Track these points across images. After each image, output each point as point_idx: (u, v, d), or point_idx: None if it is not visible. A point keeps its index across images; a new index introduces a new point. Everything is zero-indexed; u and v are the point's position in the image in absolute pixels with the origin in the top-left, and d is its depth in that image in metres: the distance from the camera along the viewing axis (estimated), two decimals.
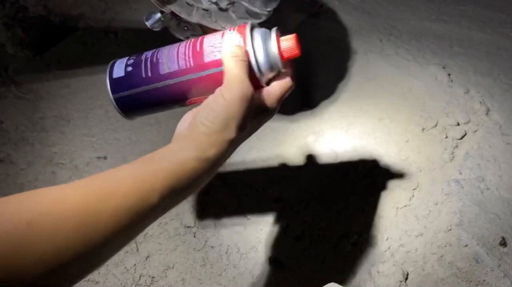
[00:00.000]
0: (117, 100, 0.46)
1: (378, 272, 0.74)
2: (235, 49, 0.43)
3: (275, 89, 0.47)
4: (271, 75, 0.46)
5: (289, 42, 0.46)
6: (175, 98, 0.47)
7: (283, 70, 0.47)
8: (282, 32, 0.47)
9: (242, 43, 0.44)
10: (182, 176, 0.39)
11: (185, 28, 0.63)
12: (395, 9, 1.24)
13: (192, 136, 0.42)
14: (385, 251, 0.76)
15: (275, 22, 1.18)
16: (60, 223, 0.32)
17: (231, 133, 0.42)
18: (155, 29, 0.65)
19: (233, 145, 0.44)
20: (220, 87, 0.43)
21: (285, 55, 0.46)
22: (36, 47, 1.03)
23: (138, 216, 0.36)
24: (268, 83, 0.47)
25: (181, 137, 0.43)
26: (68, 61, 1.02)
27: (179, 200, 0.41)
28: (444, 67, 1.05)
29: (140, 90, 0.46)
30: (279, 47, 0.45)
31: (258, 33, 0.45)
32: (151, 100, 0.47)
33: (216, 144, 0.42)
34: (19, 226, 0.30)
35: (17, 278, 0.29)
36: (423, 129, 0.92)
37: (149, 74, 0.45)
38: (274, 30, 0.46)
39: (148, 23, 0.65)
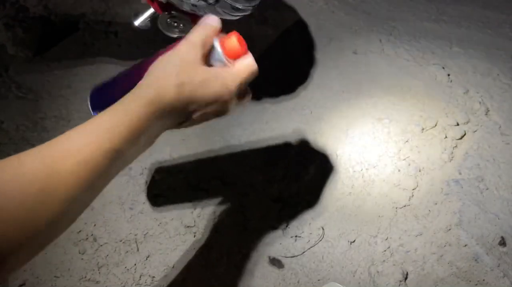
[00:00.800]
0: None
1: (377, 271, 0.74)
2: (208, 21, 0.48)
3: (239, 70, 0.49)
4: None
5: (230, 43, 0.49)
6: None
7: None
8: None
9: (219, 25, 0.49)
10: (128, 122, 0.41)
11: (175, 24, 0.64)
12: (395, 9, 1.24)
13: (137, 85, 0.44)
14: (385, 250, 0.77)
15: (273, 20, 1.18)
16: (26, 188, 0.33)
17: (171, 77, 0.43)
18: (142, 28, 0.66)
19: (177, 92, 0.44)
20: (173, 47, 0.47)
21: (232, 56, 0.50)
22: (36, 47, 1.03)
23: (97, 168, 0.38)
24: None
25: (132, 91, 0.45)
26: (69, 61, 1.02)
27: (135, 147, 0.43)
28: (443, 67, 1.06)
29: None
30: (224, 53, 0.49)
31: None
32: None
33: (157, 88, 0.43)
34: None
35: None
36: (422, 129, 0.92)
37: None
38: (216, 39, 0.49)
39: (135, 23, 0.66)
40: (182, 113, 0.46)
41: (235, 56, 0.50)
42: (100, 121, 0.41)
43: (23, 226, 0.32)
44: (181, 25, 0.65)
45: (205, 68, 0.46)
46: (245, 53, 0.50)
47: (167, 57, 0.45)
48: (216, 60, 0.49)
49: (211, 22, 0.48)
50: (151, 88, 0.43)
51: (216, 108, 0.48)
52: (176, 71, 0.44)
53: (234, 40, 0.49)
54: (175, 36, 0.65)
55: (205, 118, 0.49)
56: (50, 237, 0.37)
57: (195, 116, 0.47)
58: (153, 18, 0.69)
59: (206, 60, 0.48)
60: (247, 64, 0.49)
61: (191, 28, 0.48)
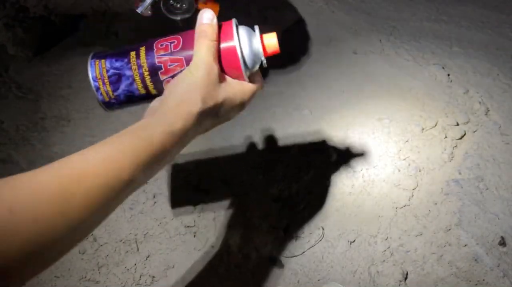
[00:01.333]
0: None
1: (377, 271, 0.74)
2: (205, 28, 0.46)
3: (254, 87, 0.50)
4: (254, 69, 0.49)
5: (271, 39, 0.49)
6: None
7: (265, 66, 0.50)
8: (262, 31, 0.50)
9: (214, 21, 0.46)
10: (150, 151, 0.40)
11: (178, 6, 0.64)
12: (395, 10, 1.24)
13: (160, 110, 0.44)
14: (385, 250, 0.77)
15: (273, 20, 1.19)
16: (40, 207, 0.33)
17: (196, 105, 0.43)
18: (144, 15, 0.66)
19: (200, 119, 0.44)
20: (188, 66, 0.46)
21: (268, 51, 0.49)
22: (36, 47, 1.04)
23: (111, 194, 0.37)
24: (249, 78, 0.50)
25: (151, 112, 0.45)
26: (69, 62, 1.02)
27: (151, 174, 0.43)
28: (443, 67, 1.06)
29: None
30: (262, 44, 0.48)
31: (243, 30, 0.48)
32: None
33: (182, 116, 0.43)
34: (1, 213, 0.31)
35: (0, 263, 0.30)
36: (422, 129, 0.92)
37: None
38: (257, 28, 0.49)
39: (138, 10, 0.66)
40: (202, 132, 0.47)
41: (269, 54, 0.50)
42: (122, 146, 0.40)
43: (31, 243, 0.32)
44: (183, 5, 0.64)
45: (224, 87, 0.46)
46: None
47: (187, 79, 0.44)
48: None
49: (207, 25, 0.46)
50: (176, 117, 0.42)
51: (228, 119, 0.50)
52: (199, 97, 0.43)
53: (275, 41, 0.50)
54: (178, 18, 0.64)
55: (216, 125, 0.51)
56: (56, 256, 0.37)
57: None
58: (155, 3, 0.67)
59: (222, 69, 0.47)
60: (260, 79, 0.51)
61: (193, 8, 0.48)
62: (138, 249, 0.76)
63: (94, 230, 0.40)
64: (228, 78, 0.48)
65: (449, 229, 0.79)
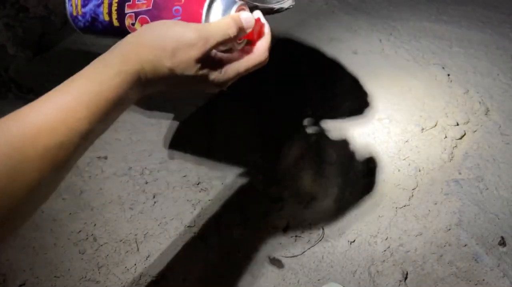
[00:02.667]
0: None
1: (377, 271, 0.74)
2: (247, 24, 0.44)
3: (232, 67, 0.45)
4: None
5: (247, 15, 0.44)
6: None
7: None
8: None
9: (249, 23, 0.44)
10: (107, 96, 0.37)
11: None
12: (395, 9, 1.24)
13: (118, 48, 0.40)
14: (385, 250, 0.77)
15: (273, 21, 1.18)
16: None
17: (166, 58, 0.39)
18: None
19: (165, 75, 0.40)
20: (189, 22, 0.42)
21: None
22: (36, 48, 1.04)
23: (69, 149, 0.35)
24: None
25: (108, 51, 0.41)
26: (69, 62, 1.02)
27: (110, 122, 0.40)
28: (443, 67, 1.06)
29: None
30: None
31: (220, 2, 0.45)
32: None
33: (143, 59, 0.39)
34: None
35: None
36: (422, 129, 0.92)
37: None
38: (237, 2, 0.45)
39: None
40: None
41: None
42: (76, 94, 0.36)
43: None
44: None
45: (199, 67, 0.42)
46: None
47: (167, 29, 0.40)
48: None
49: (245, 20, 0.43)
50: (141, 61, 0.39)
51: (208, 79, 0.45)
52: (170, 54, 0.39)
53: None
54: (276, 7, 0.59)
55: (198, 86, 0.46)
56: (19, 222, 0.34)
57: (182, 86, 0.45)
58: None
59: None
60: (261, 50, 0.45)
61: None
62: (138, 249, 0.76)
63: (57, 188, 0.37)
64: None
65: (449, 229, 0.79)
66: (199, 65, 0.41)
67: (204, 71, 0.42)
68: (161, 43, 0.40)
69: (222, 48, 0.44)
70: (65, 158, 0.35)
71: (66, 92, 0.36)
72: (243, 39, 0.47)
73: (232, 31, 0.42)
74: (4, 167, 0.31)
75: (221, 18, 0.44)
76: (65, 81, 0.37)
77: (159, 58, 0.40)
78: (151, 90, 0.42)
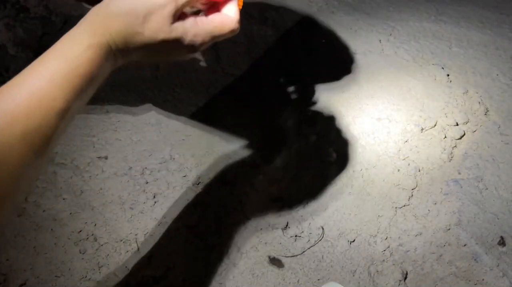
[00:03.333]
0: None
1: (377, 271, 0.75)
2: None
3: (205, 23, 0.42)
4: None
5: None
6: None
7: None
8: None
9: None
10: (81, 73, 0.36)
11: None
12: (394, 10, 1.25)
13: (87, 20, 0.39)
14: (384, 250, 0.77)
15: (273, 21, 1.19)
16: None
17: (135, 25, 0.38)
18: None
19: (137, 44, 0.39)
20: None
21: None
22: (37, 48, 1.04)
23: (48, 131, 0.34)
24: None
25: (77, 25, 0.40)
26: None
27: (87, 97, 0.39)
28: (443, 67, 1.06)
29: None
30: None
31: None
32: None
33: (110, 29, 0.38)
34: None
35: None
36: (422, 129, 0.92)
37: None
38: None
39: None
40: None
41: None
42: (49, 73, 0.35)
43: None
44: None
45: (173, 27, 0.40)
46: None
47: None
48: None
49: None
50: (110, 31, 0.38)
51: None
52: (141, 20, 0.38)
53: None
54: None
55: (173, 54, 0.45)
56: (8, 207, 0.33)
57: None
58: None
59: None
60: (224, 20, 0.43)
61: None
62: (138, 249, 0.76)
63: (41, 172, 0.36)
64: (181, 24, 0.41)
65: (449, 229, 0.79)
66: (172, 26, 0.40)
67: (178, 32, 0.41)
68: (131, 9, 0.39)
69: (189, 9, 0.43)
70: (45, 140, 0.34)
71: (37, 74, 0.35)
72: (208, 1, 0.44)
73: None
74: None
75: None
76: (34, 61, 0.36)
77: (130, 25, 0.39)
78: (124, 61, 0.41)
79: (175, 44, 0.41)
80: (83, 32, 0.38)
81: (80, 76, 0.36)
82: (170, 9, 0.39)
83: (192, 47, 0.42)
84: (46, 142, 0.34)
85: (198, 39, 0.42)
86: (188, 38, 0.41)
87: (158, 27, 0.39)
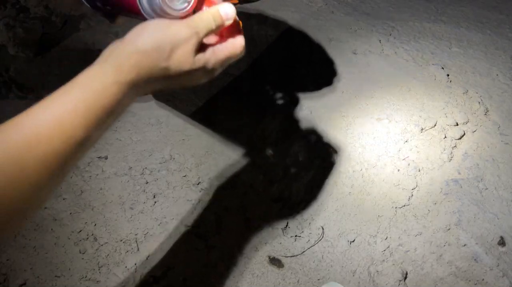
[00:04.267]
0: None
1: (377, 271, 0.75)
2: (225, 19, 0.44)
3: (221, 51, 0.45)
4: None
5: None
6: None
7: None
8: None
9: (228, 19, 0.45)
10: (103, 105, 0.38)
11: None
12: (394, 10, 1.25)
13: (113, 56, 0.41)
14: (384, 250, 0.77)
15: (273, 21, 1.19)
16: None
17: (160, 62, 0.40)
18: None
19: (160, 77, 0.41)
20: (176, 21, 0.43)
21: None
22: (37, 48, 1.04)
23: (66, 156, 0.36)
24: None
25: (102, 59, 0.42)
26: (69, 62, 1.03)
27: (106, 129, 0.40)
28: (443, 68, 1.06)
29: None
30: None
31: None
32: None
33: (139, 67, 0.40)
34: None
35: None
36: (422, 129, 0.92)
37: None
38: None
39: None
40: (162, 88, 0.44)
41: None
42: (73, 102, 0.37)
43: None
44: None
45: (196, 59, 0.43)
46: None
47: (162, 30, 0.41)
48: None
49: (225, 12, 0.44)
50: (137, 68, 0.39)
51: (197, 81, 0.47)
52: (167, 55, 0.40)
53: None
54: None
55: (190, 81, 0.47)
56: (13, 227, 0.35)
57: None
58: None
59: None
60: (235, 45, 0.46)
61: None
62: (138, 249, 0.76)
63: (53, 192, 0.38)
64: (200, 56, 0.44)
65: (449, 229, 0.79)
66: (195, 58, 0.43)
67: (201, 63, 0.44)
68: (157, 46, 0.40)
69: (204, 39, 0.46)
70: (62, 165, 0.36)
71: (62, 100, 0.37)
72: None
73: (216, 23, 0.44)
74: (4, 176, 0.32)
75: (205, 11, 0.45)
76: (60, 88, 0.38)
77: (157, 61, 0.40)
78: (146, 92, 0.43)
79: (198, 73, 0.44)
80: (109, 67, 0.40)
81: (103, 109, 0.38)
82: (193, 42, 0.42)
83: (211, 74, 0.46)
84: (63, 167, 0.36)
85: (217, 66, 0.45)
86: (209, 66, 0.44)
87: (183, 60, 0.42)
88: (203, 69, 0.44)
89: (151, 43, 0.40)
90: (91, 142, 0.39)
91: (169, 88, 0.45)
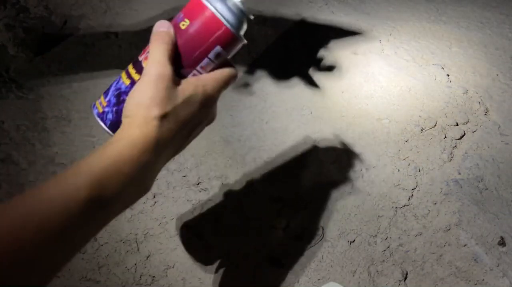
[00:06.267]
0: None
1: (377, 271, 0.75)
2: (162, 34, 0.43)
3: (219, 75, 0.45)
4: (242, 26, 0.44)
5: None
6: None
7: (252, 18, 0.45)
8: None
9: (171, 30, 0.43)
10: (109, 168, 0.36)
11: None
12: (394, 10, 1.25)
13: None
14: (384, 250, 0.77)
15: (273, 21, 1.19)
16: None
17: (151, 108, 0.39)
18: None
19: (161, 124, 0.39)
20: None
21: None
22: (37, 48, 1.04)
23: (70, 221, 0.33)
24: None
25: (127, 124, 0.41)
26: (69, 62, 1.03)
27: (132, 195, 0.38)
28: (443, 67, 1.06)
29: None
30: None
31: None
32: None
33: (137, 123, 0.39)
34: None
35: None
36: (422, 129, 0.92)
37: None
38: None
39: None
40: (174, 141, 0.42)
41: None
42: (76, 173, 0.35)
43: None
44: None
45: (182, 85, 0.42)
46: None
47: (139, 87, 0.41)
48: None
49: (163, 29, 0.43)
50: (131, 126, 0.39)
51: (205, 119, 0.46)
52: (155, 99, 0.39)
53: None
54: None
55: (198, 132, 0.47)
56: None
57: (188, 138, 0.45)
58: None
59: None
60: (226, 69, 0.46)
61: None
62: (138, 249, 0.76)
63: (57, 273, 0.34)
64: (186, 79, 0.43)
65: (449, 229, 0.79)
66: (179, 87, 0.42)
67: (190, 86, 0.43)
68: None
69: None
70: (63, 229, 0.33)
71: (68, 176, 0.36)
72: None
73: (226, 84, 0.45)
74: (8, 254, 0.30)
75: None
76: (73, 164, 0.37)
77: (144, 118, 0.40)
78: (169, 149, 0.43)
79: (197, 98, 0.42)
80: (115, 136, 0.40)
81: (108, 172, 0.37)
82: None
83: (210, 99, 0.44)
84: (64, 232, 0.33)
85: (209, 88, 0.43)
86: (200, 89, 0.43)
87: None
88: (201, 93, 0.43)
89: (134, 102, 0.41)
90: (111, 210, 0.38)
91: (194, 133, 0.46)
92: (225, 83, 0.45)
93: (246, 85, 1.02)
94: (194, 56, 0.43)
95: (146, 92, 0.40)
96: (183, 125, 0.42)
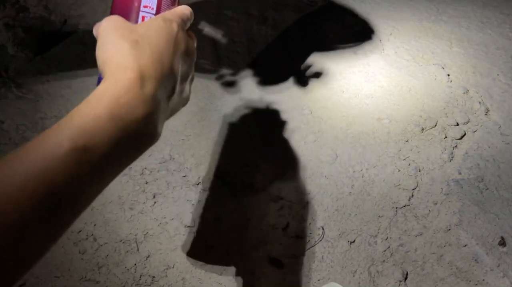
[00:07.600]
0: None
1: (377, 271, 0.74)
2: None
3: (174, 8, 0.43)
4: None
5: None
6: None
7: None
8: None
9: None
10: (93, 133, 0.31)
11: None
12: (395, 10, 1.25)
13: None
14: (385, 250, 0.77)
15: (273, 21, 1.19)
16: None
17: (121, 46, 0.36)
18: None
19: (138, 59, 0.36)
20: None
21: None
22: (36, 48, 1.04)
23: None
24: None
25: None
26: (69, 62, 1.03)
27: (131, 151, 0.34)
28: (443, 67, 1.06)
29: None
30: None
31: None
32: None
33: (116, 63, 0.36)
34: None
35: None
36: (422, 129, 0.92)
37: None
38: None
39: None
40: (162, 73, 0.37)
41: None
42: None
43: None
44: None
45: (140, 23, 0.41)
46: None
47: (99, 45, 0.39)
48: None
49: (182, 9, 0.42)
50: (109, 71, 0.36)
51: (183, 53, 0.41)
52: (121, 39, 0.37)
53: None
54: None
55: (187, 73, 0.43)
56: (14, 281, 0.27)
57: (176, 75, 0.39)
58: None
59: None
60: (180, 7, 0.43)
61: None
62: (138, 249, 0.76)
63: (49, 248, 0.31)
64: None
65: (449, 229, 0.79)
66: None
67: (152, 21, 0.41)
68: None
69: None
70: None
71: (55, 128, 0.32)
72: None
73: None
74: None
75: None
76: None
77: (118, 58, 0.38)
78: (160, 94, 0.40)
79: (159, 26, 0.39)
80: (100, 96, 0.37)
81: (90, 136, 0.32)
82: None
83: (172, 26, 0.40)
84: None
85: (167, 15, 0.41)
86: (158, 18, 0.40)
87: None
88: (161, 20, 0.40)
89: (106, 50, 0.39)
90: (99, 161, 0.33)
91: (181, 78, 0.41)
92: (182, 12, 0.42)
93: (246, 85, 1.02)
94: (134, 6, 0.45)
95: (110, 40, 0.37)
96: (160, 52, 0.38)
